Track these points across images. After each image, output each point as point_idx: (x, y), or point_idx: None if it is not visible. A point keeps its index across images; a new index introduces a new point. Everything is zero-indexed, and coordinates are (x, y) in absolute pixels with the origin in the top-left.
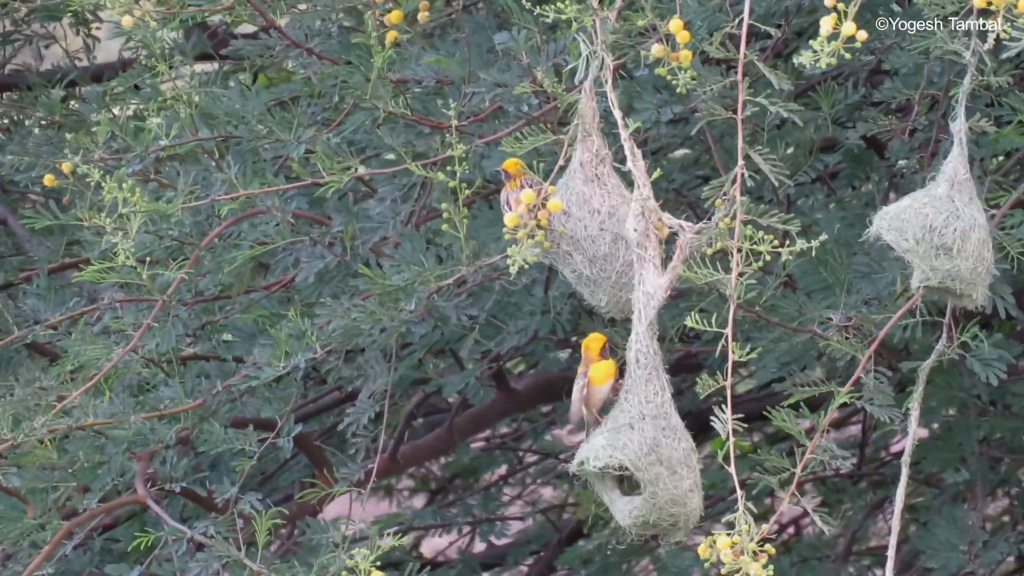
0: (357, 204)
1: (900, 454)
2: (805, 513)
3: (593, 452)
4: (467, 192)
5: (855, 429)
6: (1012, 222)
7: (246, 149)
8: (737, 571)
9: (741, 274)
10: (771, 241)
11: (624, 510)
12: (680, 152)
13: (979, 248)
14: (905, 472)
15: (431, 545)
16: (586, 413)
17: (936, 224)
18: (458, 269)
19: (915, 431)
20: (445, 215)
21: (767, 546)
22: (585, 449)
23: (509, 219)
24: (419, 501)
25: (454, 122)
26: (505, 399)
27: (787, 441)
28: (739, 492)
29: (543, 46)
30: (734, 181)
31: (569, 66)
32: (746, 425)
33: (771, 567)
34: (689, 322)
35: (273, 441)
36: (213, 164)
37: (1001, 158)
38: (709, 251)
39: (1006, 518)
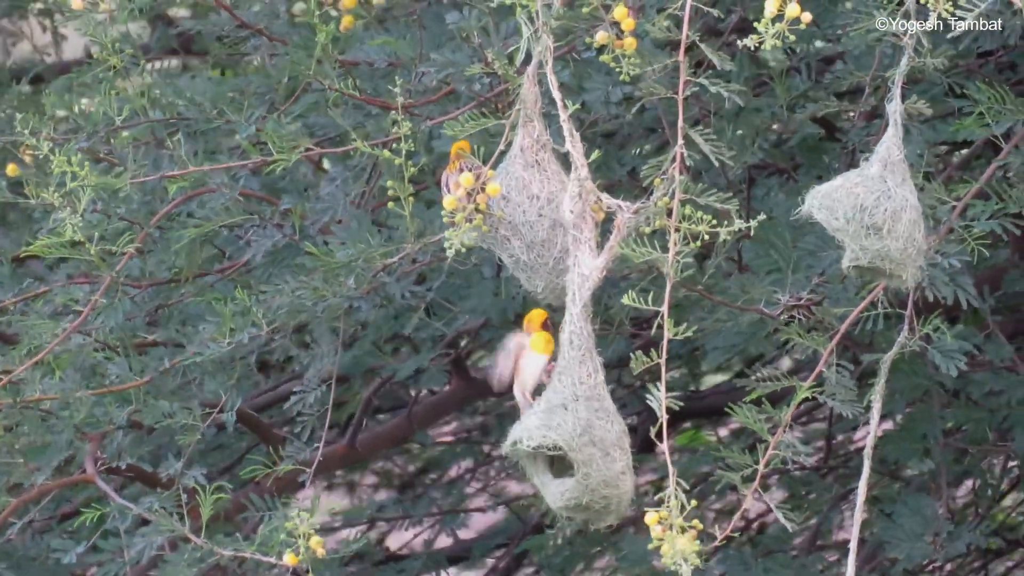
0: (305, 182)
1: (863, 443)
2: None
3: (527, 432)
4: (413, 170)
5: (821, 424)
6: (973, 212)
7: (199, 132)
8: (663, 546)
9: (679, 253)
10: (709, 221)
11: (556, 492)
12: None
13: (910, 229)
14: (867, 464)
15: (396, 539)
16: (518, 394)
17: (867, 204)
18: (404, 247)
19: (877, 424)
20: (390, 192)
21: (695, 521)
22: (518, 429)
23: (448, 202)
24: (382, 496)
25: (400, 99)
26: (465, 387)
27: (754, 436)
28: (670, 467)
29: (494, 27)
30: (673, 160)
31: (511, 49)
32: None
33: (697, 543)
34: (626, 300)
35: (217, 415)
36: (163, 146)
37: (963, 151)
38: (647, 231)
39: (971, 509)
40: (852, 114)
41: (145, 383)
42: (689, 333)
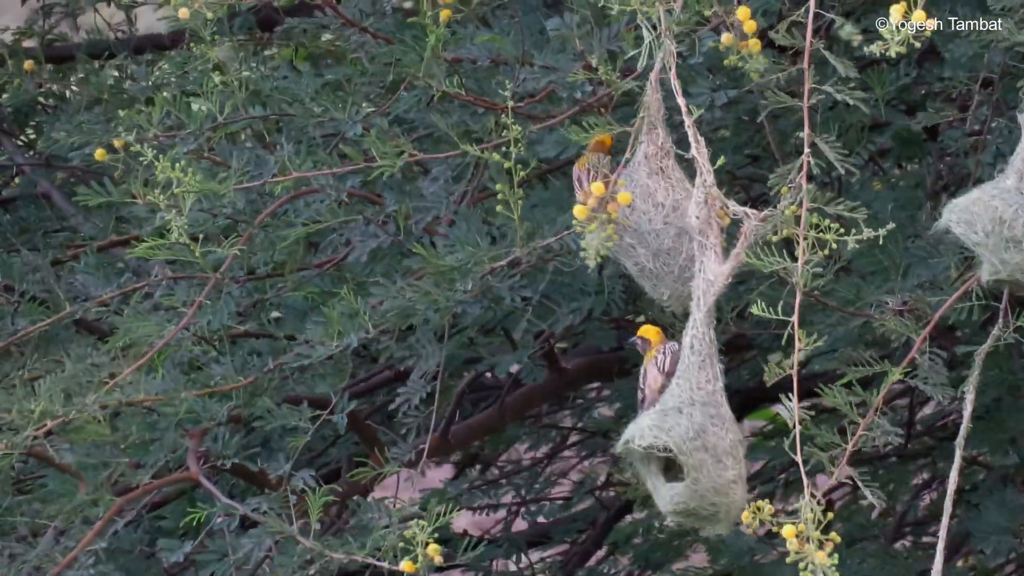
0: (409, 183)
1: (944, 432)
2: (853, 497)
3: (639, 432)
4: (522, 173)
5: (901, 410)
6: None
7: (298, 127)
8: (802, 560)
9: (807, 262)
10: (837, 229)
11: (666, 496)
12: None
13: None
14: (959, 455)
15: (472, 523)
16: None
17: (1006, 216)
18: (513, 250)
19: (970, 415)
20: (500, 196)
21: (832, 534)
22: (631, 428)
23: (578, 211)
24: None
25: (510, 103)
26: (555, 378)
27: (831, 421)
28: (804, 479)
29: (597, 31)
30: (800, 169)
31: (629, 55)
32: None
33: (836, 556)
34: (755, 310)
35: (327, 418)
36: (264, 145)
37: None
38: (774, 239)
39: None
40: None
41: (249, 383)
42: (820, 343)
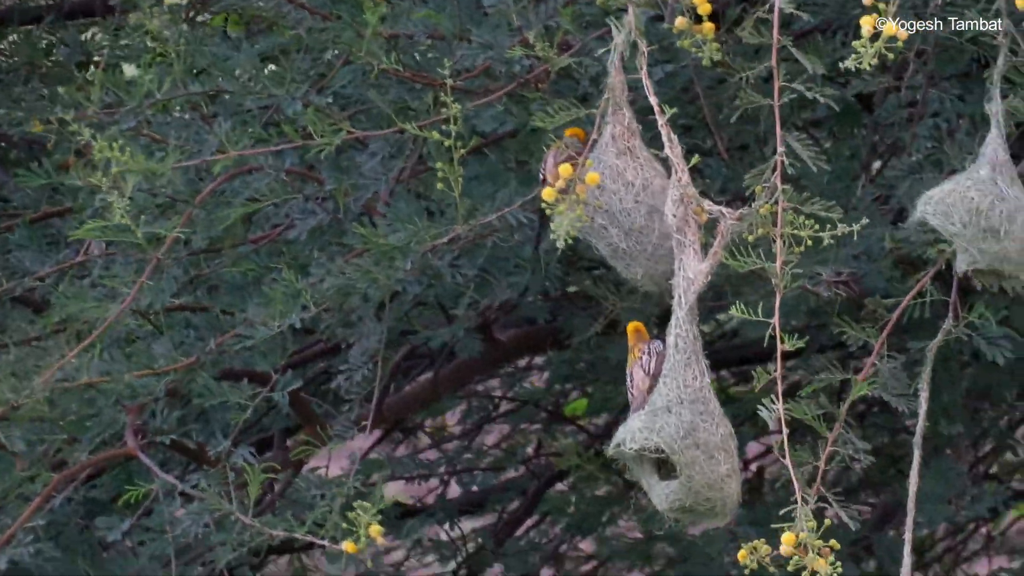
0: (346, 157)
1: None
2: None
3: (630, 434)
4: (462, 151)
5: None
6: None
7: (235, 101)
8: (802, 569)
9: (786, 262)
10: (812, 226)
11: (661, 495)
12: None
13: None
14: (918, 454)
15: (403, 491)
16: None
17: (982, 207)
18: (453, 228)
19: (925, 412)
20: (440, 174)
21: (832, 541)
22: (622, 431)
23: (546, 193)
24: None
25: (448, 80)
26: (489, 350)
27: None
28: (796, 485)
29: (534, 7)
30: (774, 169)
31: (601, 51)
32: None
33: (838, 564)
34: (734, 311)
35: (268, 395)
36: (202, 122)
37: None
38: (751, 238)
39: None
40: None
41: (191, 364)
42: (801, 344)
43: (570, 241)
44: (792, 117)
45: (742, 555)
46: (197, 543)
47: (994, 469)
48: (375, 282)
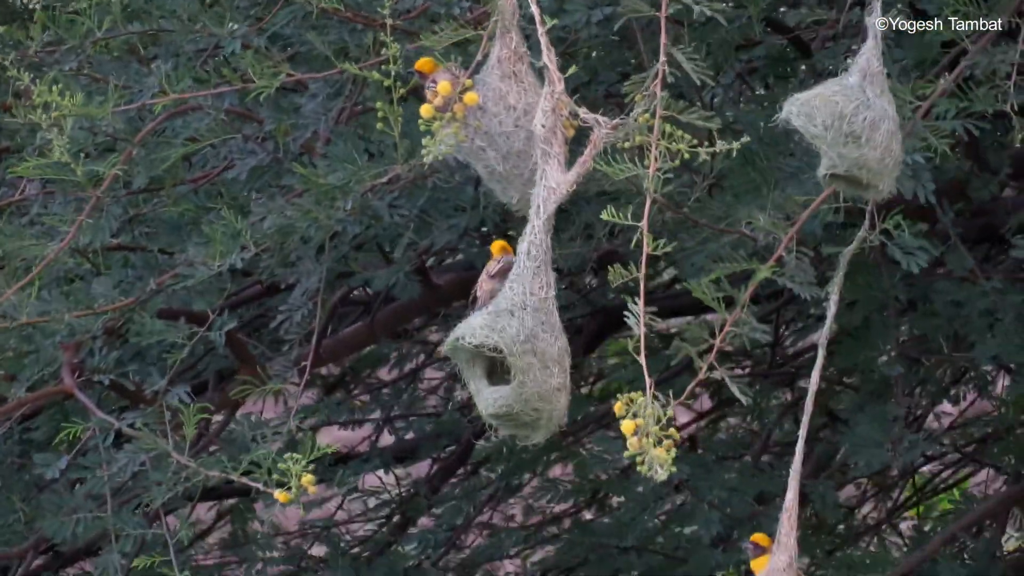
0: (286, 97)
1: (808, 355)
2: (717, 417)
3: (470, 330)
4: (402, 91)
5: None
6: (938, 111)
7: (174, 42)
8: (639, 456)
9: (659, 169)
10: (689, 140)
11: (489, 399)
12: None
13: (888, 140)
14: (821, 354)
15: (337, 438)
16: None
17: (846, 112)
18: (393, 168)
19: (833, 316)
20: (380, 115)
21: (671, 430)
22: (461, 327)
23: (424, 110)
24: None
25: (388, 20)
26: (427, 294)
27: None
28: (647, 377)
29: None
30: (655, 77)
31: None
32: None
33: (674, 451)
34: (605, 216)
35: (205, 335)
36: (138, 60)
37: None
38: (626, 146)
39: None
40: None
41: (130, 304)
42: (668, 248)
43: (439, 158)
44: (726, 64)
45: (627, 427)
46: (133, 483)
47: (931, 423)
48: (315, 222)
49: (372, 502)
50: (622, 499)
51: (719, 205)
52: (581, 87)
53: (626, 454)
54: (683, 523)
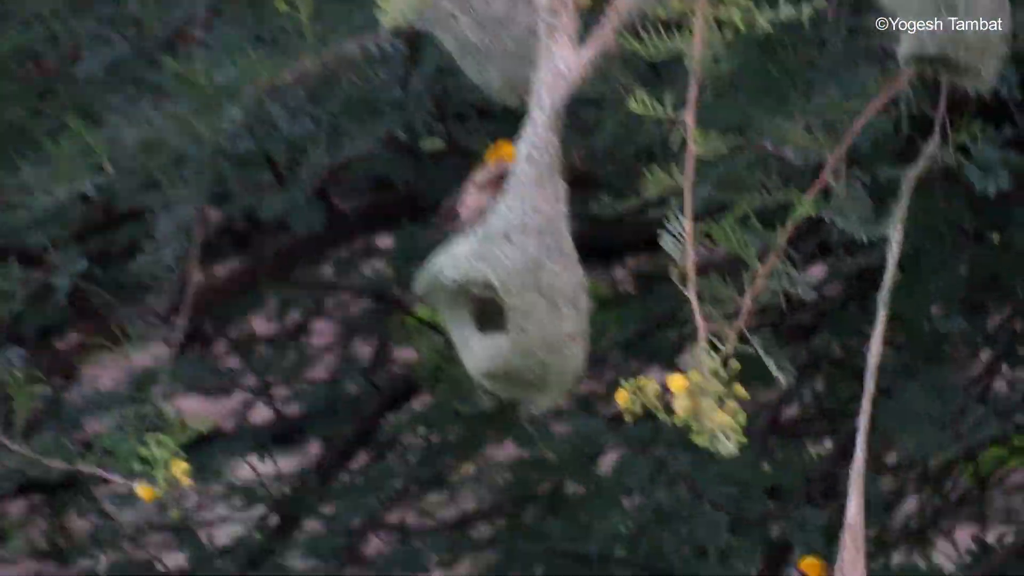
0: None
1: (826, 304)
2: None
3: (452, 261)
4: None
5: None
6: None
7: None
8: (695, 423)
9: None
10: (744, 4)
11: (480, 352)
12: None
13: (993, 7)
14: (883, 313)
15: (200, 411)
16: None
17: None
18: (299, 61)
19: (896, 258)
20: None
21: (736, 387)
22: (441, 258)
23: None
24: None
25: None
26: (330, 225)
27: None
28: (698, 314)
29: None
30: None
31: None
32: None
33: (742, 416)
34: (634, 107)
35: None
36: None
37: None
38: (663, 14)
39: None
40: None
41: None
42: (723, 148)
43: (401, 24)
44: None
45: (621, 397)
46: None
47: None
48: (193, 135)
49: (239, 501)
50: (583, 490)
51: (730, 111)
52: None
53: (677, 420)
54: (669, 525)
